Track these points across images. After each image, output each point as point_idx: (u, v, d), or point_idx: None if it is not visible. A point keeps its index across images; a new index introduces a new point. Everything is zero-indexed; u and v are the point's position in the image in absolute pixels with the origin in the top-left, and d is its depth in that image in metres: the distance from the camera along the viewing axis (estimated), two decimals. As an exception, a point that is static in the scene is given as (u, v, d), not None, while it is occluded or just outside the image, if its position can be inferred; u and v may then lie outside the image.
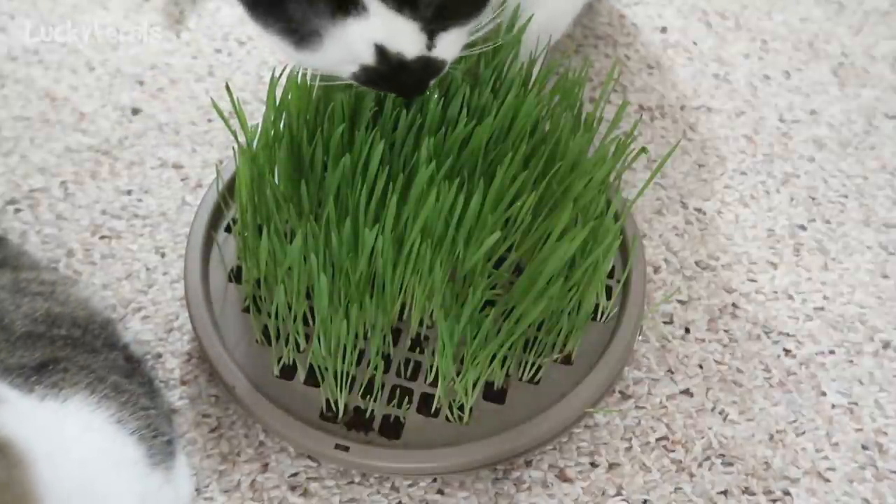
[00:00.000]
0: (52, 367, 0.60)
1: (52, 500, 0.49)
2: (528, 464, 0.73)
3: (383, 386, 0.72)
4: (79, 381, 0.60)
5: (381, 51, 0.60)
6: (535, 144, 0.73)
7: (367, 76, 0.62)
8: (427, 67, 0.63)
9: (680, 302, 0.82)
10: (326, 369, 0.69)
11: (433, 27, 0.60)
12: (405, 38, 0.59)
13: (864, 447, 0.74)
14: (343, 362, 0.69)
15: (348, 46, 0.60)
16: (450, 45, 0.63)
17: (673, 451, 0.74)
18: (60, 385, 0.59)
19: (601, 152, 0.74)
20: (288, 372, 0.73)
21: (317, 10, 0.58)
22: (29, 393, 0.58)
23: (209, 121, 0.95)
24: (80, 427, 0.58)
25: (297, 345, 0.72)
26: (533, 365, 0.73)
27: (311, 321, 0.73)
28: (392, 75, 0.62)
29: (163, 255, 0.85)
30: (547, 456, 0.73)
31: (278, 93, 0.73)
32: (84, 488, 0.54)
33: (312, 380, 0.72)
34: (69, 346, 0.63)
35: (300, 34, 0.60)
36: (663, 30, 1.04)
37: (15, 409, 0.53)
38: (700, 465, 0.73)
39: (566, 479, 0.72)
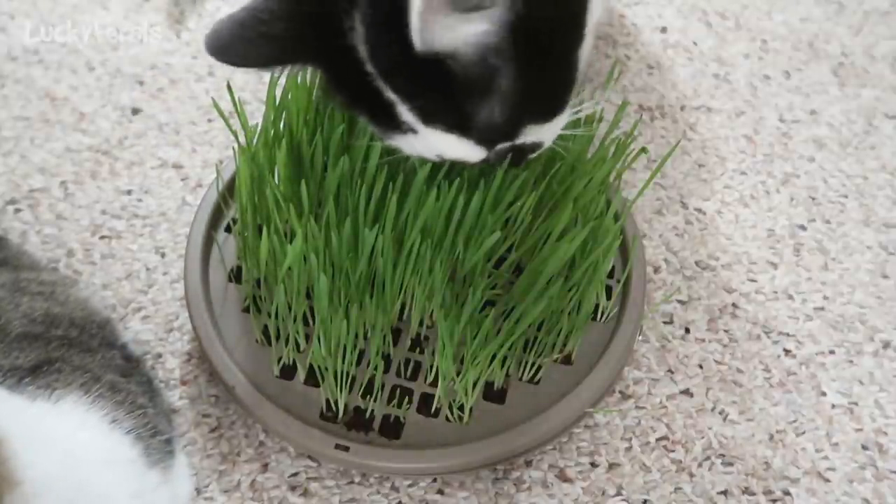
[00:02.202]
0: (46, 369, 0.60)
1: (35, 490, 0.49)
2: (528, 464, 0.73)
3: (383, 386, 0.72)
4: (73, 381, 0.60)
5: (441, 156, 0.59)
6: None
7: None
8: (516, 152, 0.59)
9: (680, 302, 0.82)
10: (326, 369, 0.69)
11: (493, 141, 0.57)
12: (461, 151, 0.57)
13: (864, 447, 0.74)
14: (343, 362, 0.69)
15: (416, 150, 0.59)
16: (541, 132, 0.59)
17: (673, 451, 0.74)
18: (54, 385, 0.59)
19: (601, 152, 0.74)
20: (288, 372, 0.73)
21: (379, 127, 0.58)
22: (20, 393, 0.58)
23: (209, 121, 0.94)
24: (72, 425, 0.58)
25: (297, 345, 0.72)
26: (533, 365, 0.73)
27: (311, 321, 0.73)
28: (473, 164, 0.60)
29: (163, 255, 0.84)
30: (547, 456, 0.73)
31: (278, 93, 0.73)
32: (71, 483, 0.54)
33: (312, 380, 0.72)
34: (65, 347, 0.63)
35: (381, 131, 0.59)
36: (663, 30, 1.04)
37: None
38: (700, 465, 0.73)
39: (566, 479, 0.72)
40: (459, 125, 0.55)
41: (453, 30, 0.50)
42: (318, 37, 0.54)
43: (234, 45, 0.55)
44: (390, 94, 0.54)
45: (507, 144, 0.58)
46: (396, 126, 0.56)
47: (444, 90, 0.53)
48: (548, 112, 0.57)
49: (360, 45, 0.53)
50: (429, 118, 0.55)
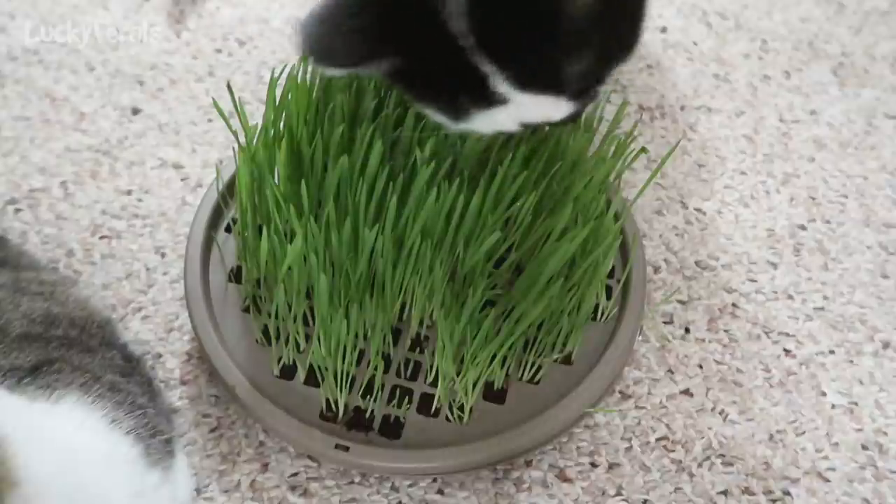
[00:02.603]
0: (45, 369, 0.60)
1: (34, 490, 0.49)
2: (528, 464, 0.73)
3: (383, 386, 0.72)
4: (72, 382, 0.60)
5: (525, 123, 0.59)
6: (535, 144, 0.73)
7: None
8: (577, 113, 0.61)
9: (680, 302, 0.82)
10: (326, 369, 0.69)
11: (582, 92, 0.58)
12: (551, 110, 0.58)
13: (864, 447, 0.74)
14: (343, 362, 0.69)
15: (497, 123, 0.59)
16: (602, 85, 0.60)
17: (673, 451, 0.74)
18: (54, 386, 0.59)
19: (601, 152, 0.74)
20: (288, 372, 0.73)
21: (461, 103, 0.57)
22: (20, 394, 0.58)
23: (209, 121, 0.95)
24: (72, 425, 0.58)
25: (297, 345, 0.72)
26: (533, 365, 0.73)
27: (311, 321, 0.73)
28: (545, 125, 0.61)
29: (163, 255, 0.84)
30: (547, 456, 0.73)
31: (278, 93, 0.73)
32: (70, 483, 0.54)
33: (312, 380, 0.72)
34: (65, 347, 0.63)
35: (452, 114, 0.59)
36: (663, 30, 1.04)
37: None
38: (700, 465, 0.73)
39: (566, 479, 0.72)
40: (555, 84, 0.56)
41: None
42: (408, 20, 0.54)
43: (332, 45, 0.55)
44: (486, 66, 0.54)
45: (592, 93, 0.59)
46: (485, 100, 0.56)
47: (544, 50, 0.54)
48: (631, 49, 0.59)
49: (458, 18, 0.52)
50: (526, 82, 0.55)
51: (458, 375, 0.69)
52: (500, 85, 0.55)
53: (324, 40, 0.55)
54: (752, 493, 0.71)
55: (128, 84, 0.98)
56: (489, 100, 0.56)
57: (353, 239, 0.68)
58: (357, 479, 0.72)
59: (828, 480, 0.72)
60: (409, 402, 0.72)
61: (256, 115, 0.82)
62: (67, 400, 0.59)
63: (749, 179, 0.91)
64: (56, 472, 0.53)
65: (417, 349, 0.75)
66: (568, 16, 0.53)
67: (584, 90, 0.58)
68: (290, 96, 0.73)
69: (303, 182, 0.69)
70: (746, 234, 0.87)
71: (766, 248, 0.86)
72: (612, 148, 0.74)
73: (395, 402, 0.72)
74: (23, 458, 0.50)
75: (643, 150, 0.75)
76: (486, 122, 0.59)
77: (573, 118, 0.61)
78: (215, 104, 0.75)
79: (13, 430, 0.50)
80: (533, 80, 0.55)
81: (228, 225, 0.81)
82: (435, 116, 0.61)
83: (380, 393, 0.72)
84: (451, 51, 0.54)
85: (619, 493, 0.71)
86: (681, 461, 0.73)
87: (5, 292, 0.66)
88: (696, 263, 0.85)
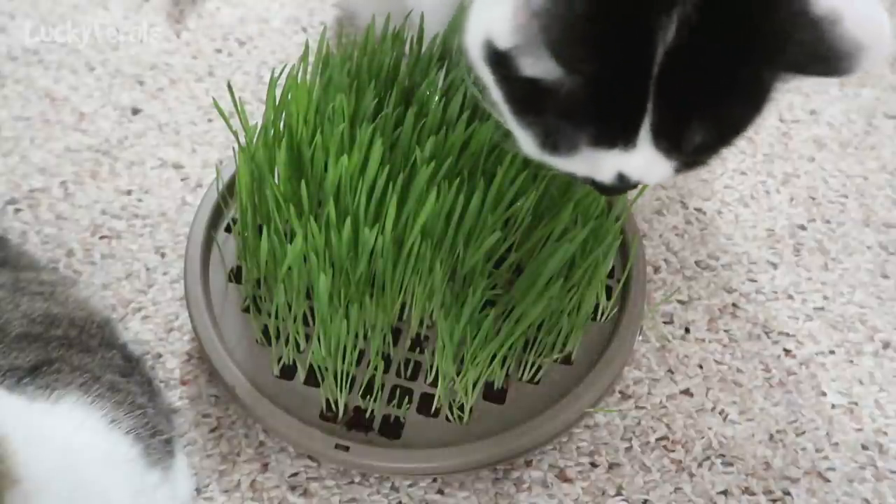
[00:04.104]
0: (45, 369, 0.60)
1: (34, 488, 0.50)
2: (528, 464, 0.73)
3: (383, 386, 0.72)
4: (72, 382, 0.60)
5: (622, 176, 0.57)
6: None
7: (594, 185, 0.60)
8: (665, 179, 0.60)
9: (680, 302, 0.82)
10: (326, 369, 0.69)
11: (687, 163, 0.57)
12: (657, 173, 0.56)
13: (864, 447, 0.74)
14: (343, 362, 0.69)
15: (594, 167, 0.57)
16: None
17: (673, 451, 0.74)
18: (53, 386, 0.59)
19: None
20: (288, 372, 0.73)
21: (581, 134, 0.55)
22: (20, 393, 0.58)
23: (209, 121, 0.95)
24: (71, 425, 0.58)
25: (297, 345, 0.72)
26: (533, 365, 0.73)
27: (311, 321, 0.73)
28: (617, 189, 0.59)
29: (163, 255, 0.84)
30: (547, 456, 0.73)
31: (278, 93, 0.73)
32: (70, 482, 0.54)
33: (312, 380, 0.72)
34: (64, 347, 0.64)
35: (552, 141, 0.56)
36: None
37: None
38: (700, 465, 0.73)
39: (566, 479, 0.72)
40: (681, 146, 0.55)
41: None
42: (619, 37, 0.51)
43: (564, 36, 0.51)
44: (650, 105, 0.52)
45: (691, 167, 0.59)
46: (620, 142, 0.54)
47: (693, 120, 0.54)
48: (739, 135, 0.58)
49: (661, 47, 0.51)
50: (662, 134, 0.54)
51: (458, 375, 0.69)
52: (644, 128, 0.53)
53: (565, 41, 0.51)
54: (752, 493, 0.71)
55: (128, 84, 0.98)
56: (623, 140, 0.54)
57: (353, 239, 0.68)
58: (357, 479, 0.72)
59: (828, 480, 0.72)
60: (409, 402, 0.72)
61: (256, 115, 0.82)
62: (67, 400, 0.59)
63: (749, 179, 0.91)
64: (56, 470, 0.53)
65: (417, 349, 0.75)
66: (755, 86, 0.53)
67: (689, 163, 0.57)
68: (290, 96, 0.73)
69: (303, 182, 0.69)
70: (746, 234, 0.87)
71: (766, 248, 0.86)
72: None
73: (395, 402, 0.72)
74: (22, 457, 0.50)
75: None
76: (589, 163, 0.57)
77: (630, 187, 0.60)
78: (215, 104, 0.75)
79: (13, 430, 0.50)
80: (670, 134, 0.54)
81: (228, 225, 0.81)
82: (527, 138, 0.57)
83: (380, 393, 0.72)
84: (633, 77, 0.52)
85: (619, 493, 0.71)
86: (681, 461, 0.73)
87: (5, 292, 0.66)
88: (696, 263, 0.85)
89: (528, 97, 0.56)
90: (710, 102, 0.53)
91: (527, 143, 0.57)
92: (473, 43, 0.56)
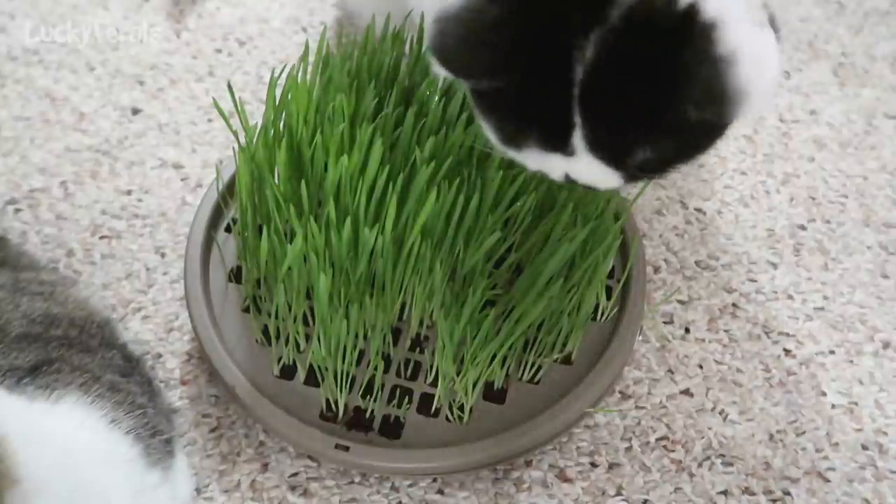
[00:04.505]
0: (45, 369, 0.60)
1: (33, 488, 0.50)
2: (528, 464, 0.73)
3: (383, 386, 0.72)
4: (72, 382, 0.60)
5: (569, 178, 0.59)
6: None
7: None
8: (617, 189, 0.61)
9: (680, 302, 0.82)
10: (326, 369, 0.69)
11: (635, 176, 0.59)
12: (604, 180, 0.58)
13: (864, 447, 0.74)
14: (343, 362, 0.69)
15: (544, 165, 0.59)
16: None
17: (673, 451, 0.74)
18: (53, 386, 0.59)
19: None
20: (288, 372, 0.73)
21: (527, 136, 0.57)
22: (20, 393, 0.58)
23: (209, 121, 0.95)
24: (71, 425, 0.58)
25: (297, 345, 0.72)
26: (533, 365, 0.73)
27: (311, 321, 0.73)
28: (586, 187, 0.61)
29: (163, 255, 0.84)
30: (547, 456, 0.73)
31: (278, 93, 0.73)
32: (70, 481, 0.54)
33: (312, 380, 0.72)
34: (64, 347, 0.64)
35: (509, 138, 0.59)
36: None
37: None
38: (700, 465, 0.73)
39: (566, 479, 0.72)
40: (621, 160, 0.56)
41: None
42: (537, 47, 0.53)
43: (460, 53, 0.54)
44: (576, 118, 0.54)
45: (641, 180, 0.60)
46: (554, 144, 0.56)
47: (631, 131, 0.55)
48: (693, 158, 0.60)
49: (580, 64, 0.53)
50: (599, 148, 0.55)
51: (458, 375, 0.69)
52: (577, 138, 0.55)
53: (457, 48, 0.54)
54: (752, 493, 0.71)
55: (128, 84, 0.98)
56: (559, 146, 0.56)
57: (353, 239, 0.68)
58: (357, 479, 0.72)
59: (828, 480, 0.72)
60: (409, 402, 0.72)
61: (256, 115, 0.82)
62: (67, 400, 0.59)
63: (749, 179, 0.91)
64: (55, 470, 0.53)
65: (417, 349, 0.75)
66: (678, 120, 0.53)
67: (639, 176, 0.59)
68: (290, 96, 0.73)
69: (303, 182, 0.69)
70: (746, 234, 0.87)
71: (766, 248, 0.86)
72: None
73: (395, 402, 0.72)
74: (22, 457, 0.50)
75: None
76: (538, 161, 0.59)
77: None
78: (216, 104, 0.75)
79: (13, 430, 0.50)
80: (605, 148, 0.55)
81: (228, 225, 0.81)
82: (488, 132, 0.60)
83: (380, 393, 0.72)
84: (555, 88, 0.54)
85: (619, 493, 0.71)
86: (681, 461, 0.73)
87: (5, 292, 0.66)
88: (696, 263, 0.85)
89: (481, 96, 0.58)
90: (634, 122, 0.54)
91: (489, 134, 0.60)
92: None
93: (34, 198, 0.88)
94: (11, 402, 0.56)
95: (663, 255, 0.85)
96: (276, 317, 0.71)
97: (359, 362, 0.72)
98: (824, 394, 0.77)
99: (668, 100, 0.53)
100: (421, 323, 0.75)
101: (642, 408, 0.76)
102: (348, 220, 0.67)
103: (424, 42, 0.59)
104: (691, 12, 0.52)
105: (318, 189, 0.72)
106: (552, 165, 0.59)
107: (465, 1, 0.54)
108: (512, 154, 0.60)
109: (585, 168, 0.57)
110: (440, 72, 0.55)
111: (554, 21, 0.53)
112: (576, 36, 0.52)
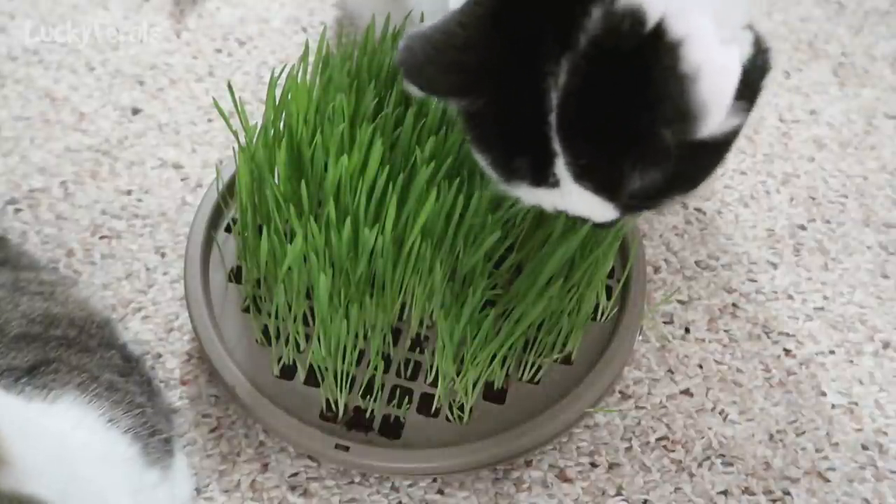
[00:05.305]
0: (42, 369, 0.60)
1: (25, 471, 0.50)
2: (528, 464, 0.73)
3: (383, 386, 0.72)
4: (70, 381, 0.60)
5: (562, 212, 0.59)
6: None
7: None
8: (615, 221, 0.60)
9: (680, 302, 0.82)
10: (326, 369, 0.69)
11: (631, 207, 0.57)
12: (595, 211, 0.57)
13: (864, 447, 0.74)
14: (343, 362, 0.69)
15: (539, 200, 0.59)
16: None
17: (673, 451, 0.74)
18: (50, 386, 0.59)
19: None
20: (288, 372, 0.73)
21: (517, 167, 0.57)
22: (17, 393, 0.58)
23: (209, 121, 0.95)
24: (68, 424, 0.58)
25: (297, 345, 0.72)
26: (533, 365, 0.73)
27: (311, 321, 0.73)
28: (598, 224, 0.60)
29: (163, 255, 0.84)
30: (547, 456, 0.73)
31: (278, 93, 0.73)
32: (64, 473, 0.54)
33: (312, 380, 0.72)
34: (63, 347, 0.64)
35: (504, 173, 0.58)
36: (663, 30, 1.04)
37: None
38: (700, 465, 0.73)
39: (566, 479, 0.72)
40: (610, 189, 0.55)
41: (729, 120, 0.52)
42: (509, 73, 0.53)
43: (426, 70, 0.54)
44: (556, 147, 0.54)
45: (639, 210, 0.59)
46: (539, 175, 0.56)
47: (616, 156, 0.54)
48: (692, 189, 0.59)
49: (554, 91, 0.52)
50: (583, 175, 0.54)
51: (458, 375, 0.69)
52: (559, 167, 0.54)
53: (423, 65, 0.54)
54: (752, 493, 0.71)
55: (128, 84, 0.98)
56: (543, 176, 0.55)
57: (353, 239, 0.68)
58: (357, 479, 0.72)
59: (828, 480, 0.72)
60: (409, 402, 0.72)
61: (256, 115, 0.82)
62: (64, 399, 0.59)
63: (749, 179, 0.91)
64: (50, 463, 0.53)
65: (417, 349, 0.75)
66: (656, 142, 0.52)
67: (634, 206, 0.57)
68: (290, 96, 0.73)
69: (303, 182, 0.69)
70: (746, 234, 0.87)
71: (766, 248, 0.86)
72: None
73: (395, 402, 0.72)
74: (16, 447, 0.50)
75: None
76: (530, 195, 0.58)
77: (609, 225, 0.60)
78: (216, 104, 0.75)
79: (8, 426, 0.50)
80: (590, 176, 0.55)
81: (228, 225, 0.81)
82: (485, 168, 0.59)
83: (380, 393, 0.72)
84: (534, 115, 0.53)
85: (619, 493, 0.71)
86: (681, 461, 0.73)
87: (5, 292, 0.67)
88: (696, 263, 0.85)
89: (472, 127, 0.57)
90: (614, 147, 0.53)
91: (486, 170, 0.59)
92: None
93: (34, 198, 0.88)
94: (7, 401, 0.56)
95: (663, 255, 0.85)
96: (276, 317, 0.71)
97: (359, 362, 0.72)
98: (824, 394, 0.77)
99: (643, 121, 0.52)
100: (421, 323, 0.75)
101: (642, 408, 0.76)
102: (348, 220, 0.67)
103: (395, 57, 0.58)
104: (658, 32, 0.51)
105: (318, 189, 0.72)
106: (543, 199, 0.58)
107: (436, 23, 0.54)
108: (507, 190, 0.59)
109: (577, 199, 0.56)
110: (408, 88, 0.55)
111: (524, 48, 0.52)
112: (547, 62, 0.52)
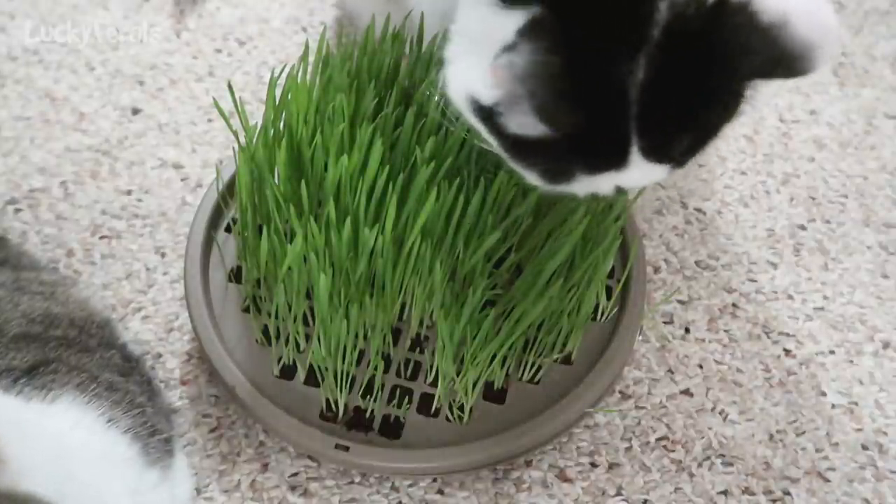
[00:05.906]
0: (42, 370, 0.60)
1: (21, 470, 0.50)
2: (529, 464, 0.73)
3: (383, 386, 0.72)
4: (69, 381, 0.60)
5: (620, 188, 0.61)
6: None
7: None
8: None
9: (680, 302, 0.82)
10: (326, 369, 0.69)
11: (681, 162, 0.61)
12: (653, 177, 0.60)
13: (864, 447, 0.74)
14: (343, 362, 0.69)
15: (593, 186, 0.61)
16: None
17: (673, 451, 0.74)
18: (49, 386, 0.59)
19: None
20: (288, 372, 0.73)
21: (576, 167, 0.59)
22: (16, 394, 0.58)
23: (209, 121, 0.94)
24: (67, 424, 0.58)
25: (297, 345, 0.72)
26: (533, 365, 0.73)
27: (311, 321, 0.73)
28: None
29: (163, 255, 0.84)
30: (547, 456, 0.73)
31: (278, 93, 0.73)
32: (61, 472, 0.54)
33: (312, 380, 0.72)
34: (62, 347, 0.64)
35: (550, 175, 0.60)
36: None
37: None
38: (700, 465, 0.73)
39: (566, 479, 0.72)
40: (670, 156, 0.59)
41: None
42: (597, 85, 0.55)
43: (559, 111, 0.55)
44: (634, 134, 0.56)
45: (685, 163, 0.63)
46: (613, 165, 0.58)
47: (675, 128, 0.58)
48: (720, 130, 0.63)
49: (633, 87, 0.55)
50: (653, 153, 0.58)
51: (458, 375, 0.69)
52: (633, 153, 0.57)
53: (551, 104, 0.55)
54: (752, 493, 0.71)
55: (128, 84, 0.98)
56: (614, 164, 0.58)
57: (353, 239, 0.68)
58: (357, 479, 0.72)
59: (828, 480, 0.72)
60: (409, 402, 0.72)
61: (256, 115, 0.82)
62: (63, 399, 0.59)
63: (749, 179, 0.91)
64: (46, 461, 0.53)
65: (417, 349, 0.75)
66: (734, 99, 0.58)
67: (682, 161, 0.61)
68: (290, 96, 0.73)
69: (303, 182, 0.69)
70: (746, 234, 0.87)
71: (766, 248, 0.86)
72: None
73: (395, 402, 0.72)
74: (12, 446, 0.50)
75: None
76: (587, 185, 0.60)
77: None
78: (216, 104, 0.75)
79: (5, 426, 0.50)
80: (658, 151, 0.58)
81: (228, 225, 0.81)
82: (523, 172, 0.61)
83: (380, 393, 0.72)
84: (612, 115, 0.56)
85: (619, 493, 0.71)
86: (681, 461, 0.73)
87: (5, 291, 0.67)
88: (696, 263, 0.85)
89: (520, 146, 0.59)
90: (688, 118, 0.58)
91: (528, 177, 0.61)
92: (458, 97, 0.60)
93: (34, 198, 0.88)
94: (4, 400, 0.56)
95: (663, 255, 0.85)
96: (276, 317, 0.71)
97: (359, 362, 0.72)
98: (824, 394, 0.77)
99: (724, 84, 0.56)
100: (421, 323, 0.75)
101: (642, 408, 0.76)
102: (348, 220, 0.67)
103: (439, 83, 0.61)
104: (720, 2, 0.55)
105: (318, 189, 0.72)
106: (603, 184, 0.60)
107: (516, 54, 0.54)
108: (554, 188, 0.61)
109: (639, 174, 0.59)
110: (525, 130, 0.57)
111: (604, 54, 0.55)
112: (627, 62, 0.55)
